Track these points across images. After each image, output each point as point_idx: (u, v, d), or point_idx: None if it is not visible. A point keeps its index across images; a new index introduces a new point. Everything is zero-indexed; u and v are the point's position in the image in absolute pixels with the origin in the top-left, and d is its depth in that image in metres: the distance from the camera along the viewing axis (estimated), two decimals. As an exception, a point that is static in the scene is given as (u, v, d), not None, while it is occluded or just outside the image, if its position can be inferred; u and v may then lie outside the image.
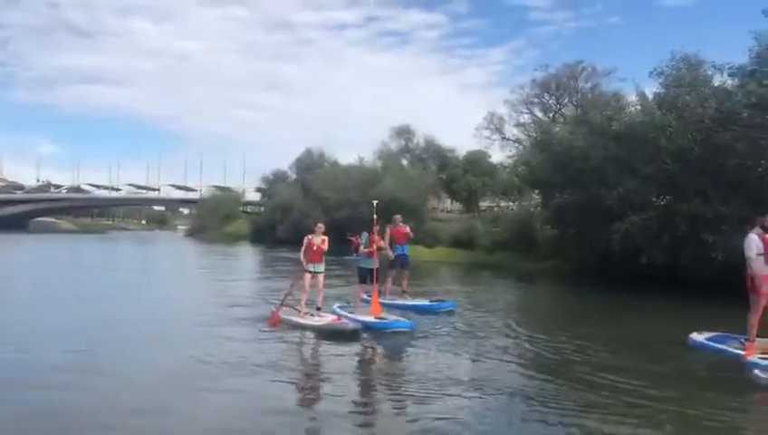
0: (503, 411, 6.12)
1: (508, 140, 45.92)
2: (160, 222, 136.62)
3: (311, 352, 9.36)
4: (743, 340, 8.42)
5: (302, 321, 10.42)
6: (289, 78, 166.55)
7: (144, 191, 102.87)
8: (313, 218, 35.03)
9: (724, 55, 15.78)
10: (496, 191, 41.67)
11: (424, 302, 12.82)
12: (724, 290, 11.25)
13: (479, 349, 9.03)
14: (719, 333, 9.05)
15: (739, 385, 7.27)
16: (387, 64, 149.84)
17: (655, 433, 5.60)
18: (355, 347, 9.26)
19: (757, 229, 8.41)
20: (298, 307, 10.85)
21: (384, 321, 10.54)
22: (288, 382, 7.26)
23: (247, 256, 38.54)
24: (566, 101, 42.87)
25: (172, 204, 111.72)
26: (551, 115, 43.53)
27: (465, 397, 6.56)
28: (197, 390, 6.82)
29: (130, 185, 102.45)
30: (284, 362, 8.24)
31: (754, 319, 8.32)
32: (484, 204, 46.46)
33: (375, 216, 11.22)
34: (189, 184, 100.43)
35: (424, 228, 31.06)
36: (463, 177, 42.22)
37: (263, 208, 65.70)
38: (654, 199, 16.77)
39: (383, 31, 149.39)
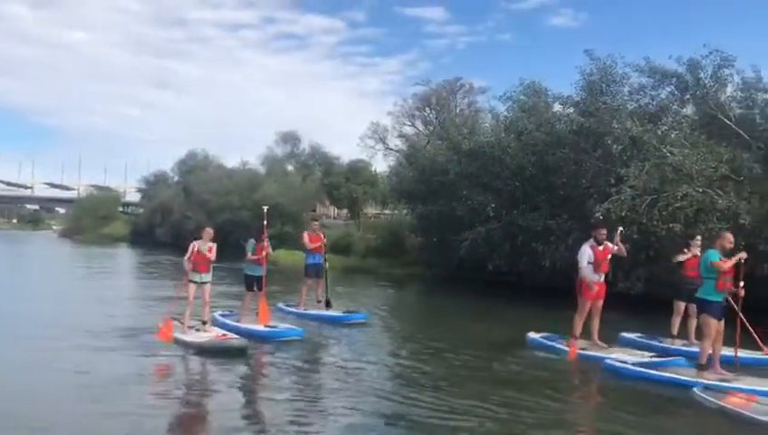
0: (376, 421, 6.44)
1: (391, 150, 47.65)
2: (34, 222, 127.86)
3: (189, 371, 8.85)
4: (567, 338, 9.58)
5: (184, 337, 9.58)
6: (180, 76, 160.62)
7: (15, 188, 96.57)
8: (196, 222, 34.79)
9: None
10: (377, 200, 43.07)
11: (336, 313, 12.54)
12: (555, 294, 12.56)
13: (356, 357, 9.39)
14: (552, 334, 10.26)
15: (567, 376, 8.56)
16: (282, 67, 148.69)
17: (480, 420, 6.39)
18: (240, 362, 8.86)
19: (591, 241, 9.66)
20: (182, 320, 10.01)
21: (273, 329, 10.35)
22: (154, 406, 6.76)
23: (121, 259, 37.50)
24: (444, 116, 45.07)
25: (47, 203, 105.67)
26: (430, 129, 45.67)
27: (346, 412, 6.71)
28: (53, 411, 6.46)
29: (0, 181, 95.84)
30: (155, 381, 7.98)
31: (580, 319, 9.51)
32: (370, 211, 47.76)
33: (265, 222, 10.92)
34: (66, 182, 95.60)
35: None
36: (345, 184, 43.31)
37: (142, 210, 63.79)
38: (500, 212, 18.51)
39: (280, 33, 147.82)
